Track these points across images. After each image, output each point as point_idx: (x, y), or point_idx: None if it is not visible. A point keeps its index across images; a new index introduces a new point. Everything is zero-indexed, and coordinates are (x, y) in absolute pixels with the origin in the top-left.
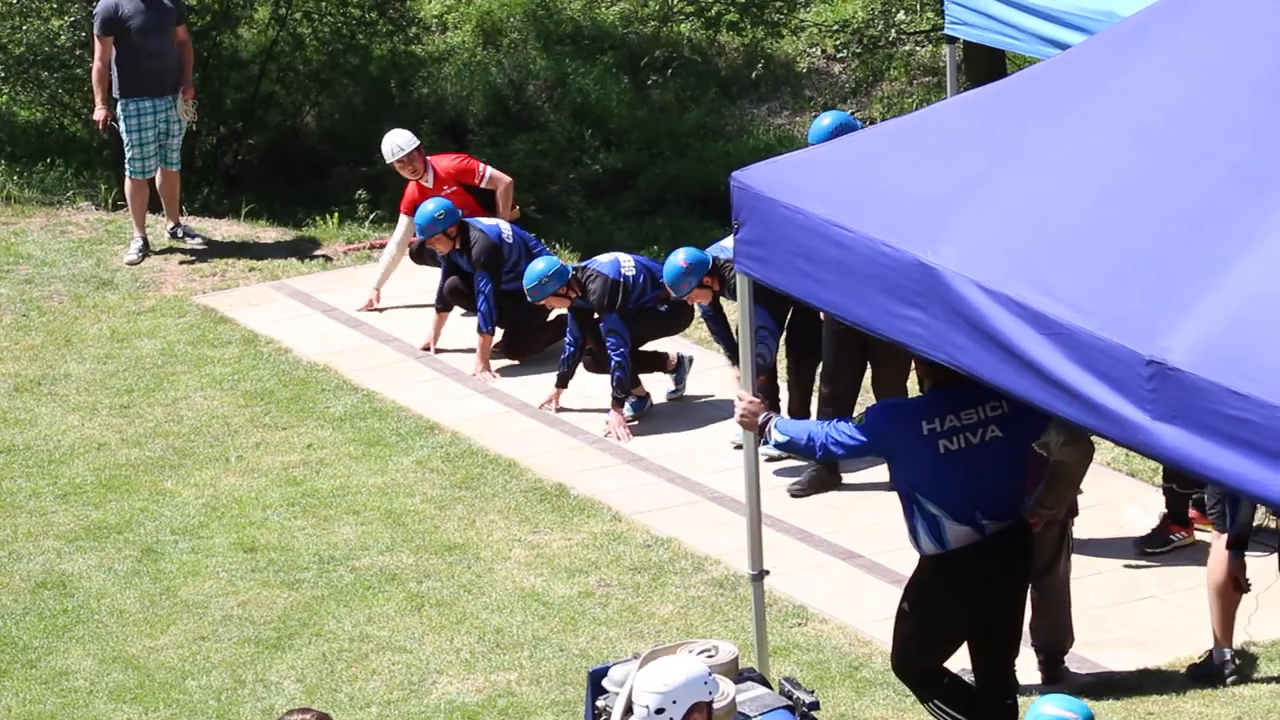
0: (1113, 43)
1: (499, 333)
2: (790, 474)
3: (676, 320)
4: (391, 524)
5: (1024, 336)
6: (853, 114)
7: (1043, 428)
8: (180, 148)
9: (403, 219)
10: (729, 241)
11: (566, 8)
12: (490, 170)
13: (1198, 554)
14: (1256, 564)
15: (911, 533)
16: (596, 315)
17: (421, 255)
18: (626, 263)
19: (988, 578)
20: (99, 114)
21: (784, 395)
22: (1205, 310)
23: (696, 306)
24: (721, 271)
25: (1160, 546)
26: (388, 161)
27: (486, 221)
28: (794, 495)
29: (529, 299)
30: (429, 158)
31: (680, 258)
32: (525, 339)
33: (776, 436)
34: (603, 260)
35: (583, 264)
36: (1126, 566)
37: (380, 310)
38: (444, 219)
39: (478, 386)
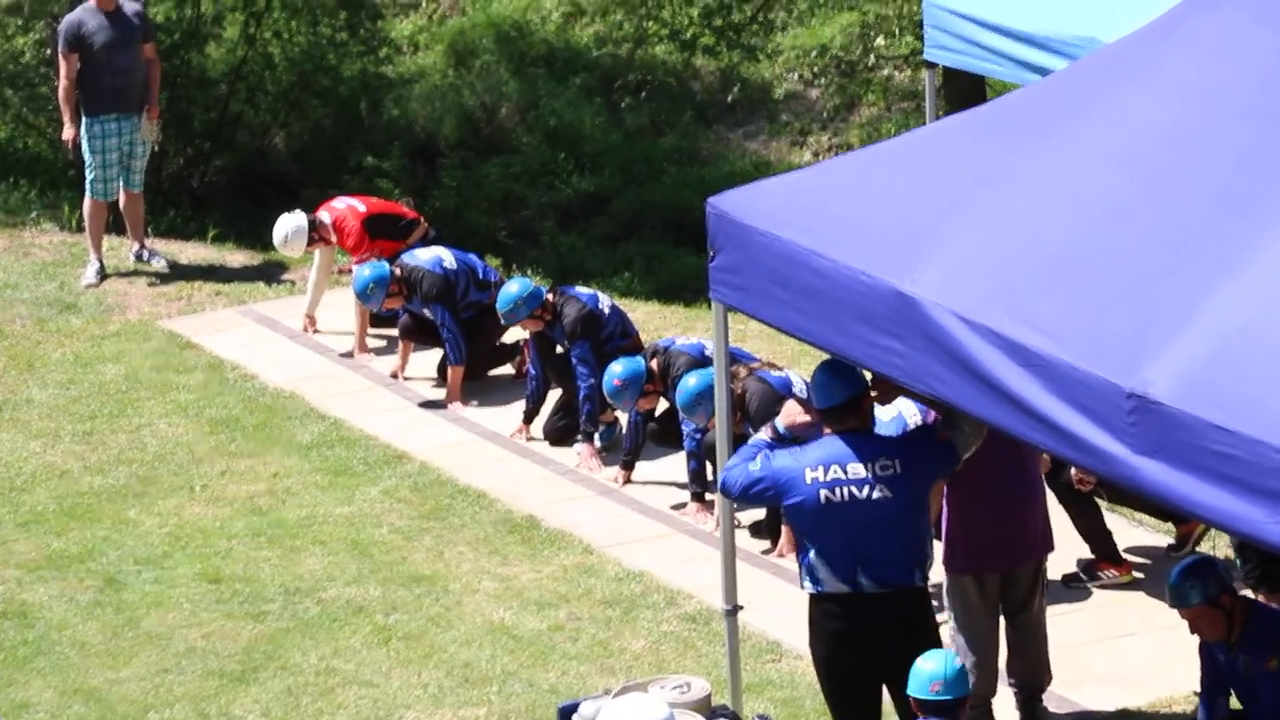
0: (1095, 68)
1: (438, 353)
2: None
3: None
4: (358, 555)
5: (1003, 368)
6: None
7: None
8: (144, 169)
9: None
10: (682, 338)
11: (539, 29)
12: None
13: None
14: None
15: (799, 568)
16: (567, 342)
17: (412, 333)
18: (605, 301)
19: (852, 633)
20: (68, 133)
21: None
22: (1188, 341)
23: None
24: (668, 368)
25: (1088, 579)
26: (299, 252)
27: (425, 255)
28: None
29: (502, 322)
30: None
31: (616, 373)
32: (471, 362)
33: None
34: (582, 290)
35: (561, 289)
36: (1106, 604)
37: (318, 332)
38: (379, 287)
39: (447, 415)
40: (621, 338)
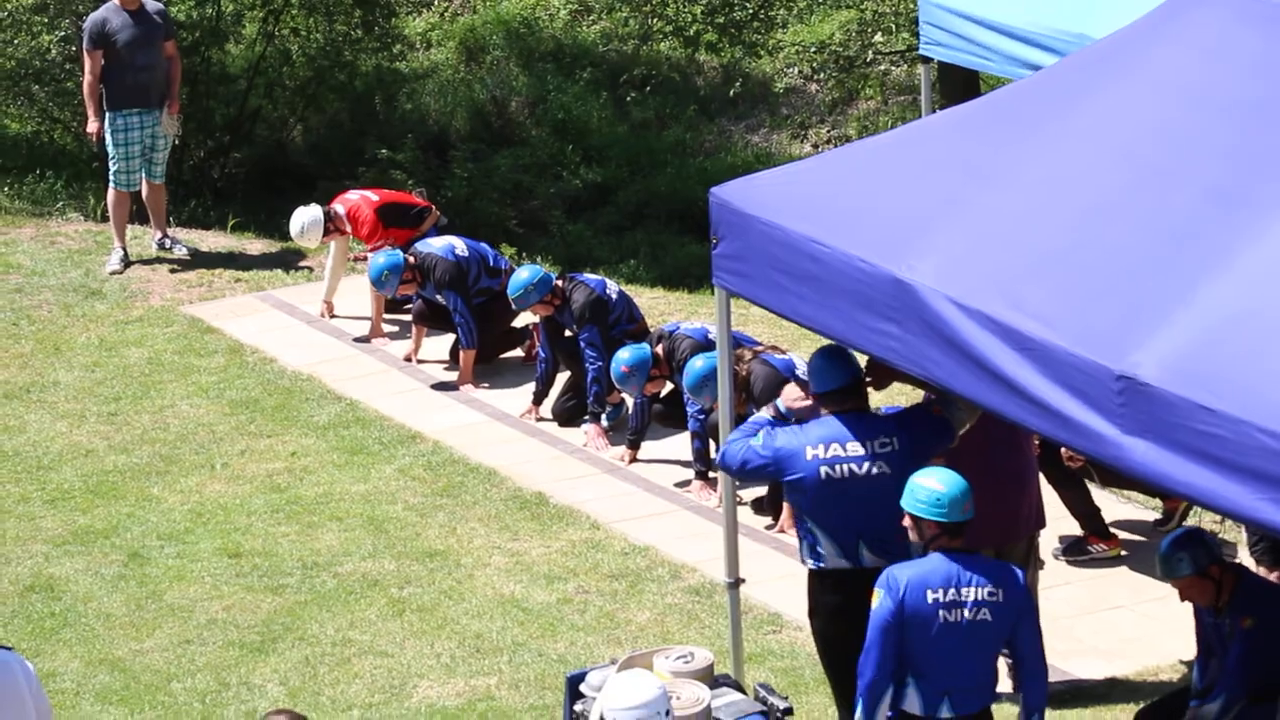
0: (1085, 64)
1: (450, 338)
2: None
3: None
4: (374, 531)
5: (997, 351)
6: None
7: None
8: (165, 161)
9: (332, 244)
10: (688, 322)
11: (547, 26)
12: (349, 208)
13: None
14: None
15: (799, 545)
16: (576, 326)
17: (425, 318)
18: (612, 287)
19: (852, 606)
20: (92, 127)
21: None
22: (1176, 326)
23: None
24: (673, 352)
25: (1078, 555)
26: (315, 242)
27: (438, 243)
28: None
29: (514, 307)
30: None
31: (624, 360)
32: (482, 346)
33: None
34: (590, 276)
35: (570, 275)
36: (1094, 577)
37: (335, 316)
38: (393, 274)
39: (459, 396)
40: (628, 322)
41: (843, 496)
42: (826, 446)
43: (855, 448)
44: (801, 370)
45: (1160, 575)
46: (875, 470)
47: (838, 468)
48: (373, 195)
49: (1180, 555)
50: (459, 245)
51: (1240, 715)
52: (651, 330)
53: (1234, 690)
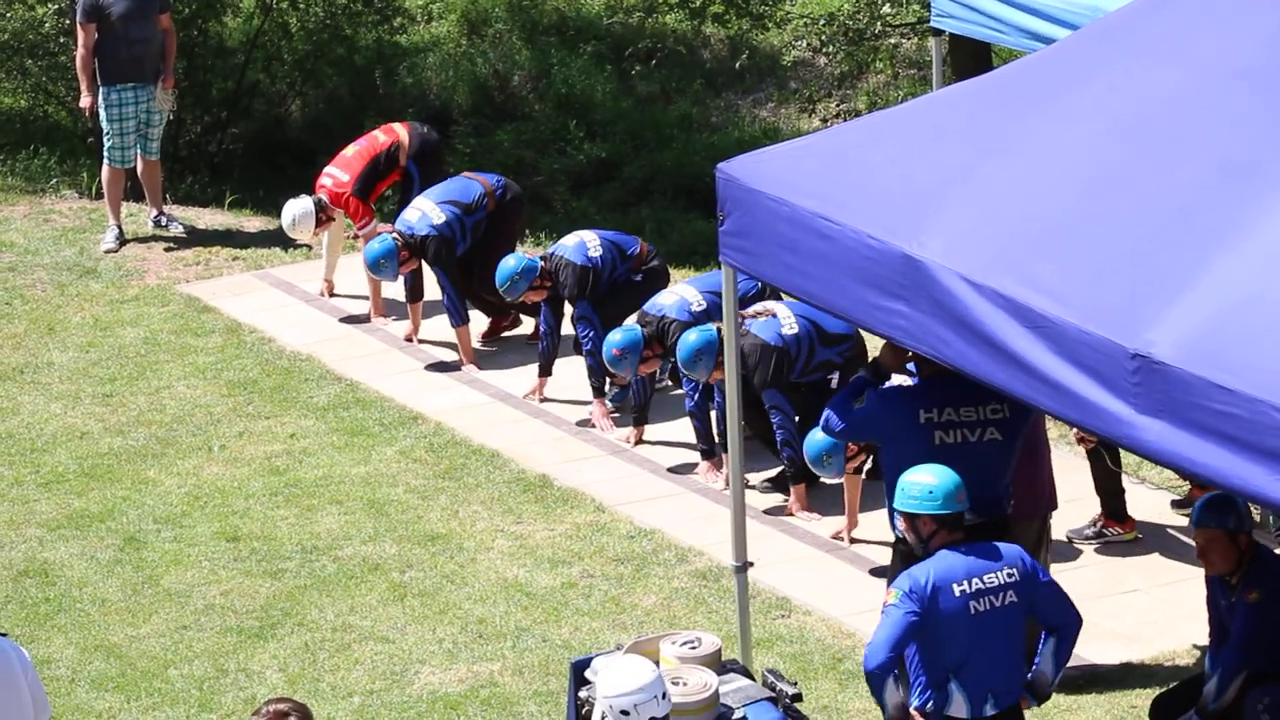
0: (1098, 36)
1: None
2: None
3: (652, 285)
4: (374, 514)
5: (1008, 329)
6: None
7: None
8: (161, 137)
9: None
10: (666, 299)
11: None
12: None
13: (1182, 547)
14: None
15: (891, 516)
16: (569, 303)
17: (418, 295)
18: (592, 243)
19: None
20: (85, 101)
21: None
22: (1190, 304)
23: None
24: (663, 334)
25: (1093, 538)
26: (308, 236)
27: (413, 217)
28: (762, 491)
29: (506, 299)
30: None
31: (615, 343)
32: (485, 292)
33: None
34: (569, 245)
35: (549, 252)
36: (1110, 560)
37: (335, 295)
38: (389, 259)
39: (461, 377)
40: (622, 263)
41: (955, 463)
42: (940, 411)
43: (969, 412)
44: (796, 330)
45: (1190, 524)
46: (988, 436)
47: (952, 433)
48: (343, 175)
49: (1212, 509)
50: (434, 215)
51: (1254, 692)
52: (645, 251)
53: (1230, 664)
